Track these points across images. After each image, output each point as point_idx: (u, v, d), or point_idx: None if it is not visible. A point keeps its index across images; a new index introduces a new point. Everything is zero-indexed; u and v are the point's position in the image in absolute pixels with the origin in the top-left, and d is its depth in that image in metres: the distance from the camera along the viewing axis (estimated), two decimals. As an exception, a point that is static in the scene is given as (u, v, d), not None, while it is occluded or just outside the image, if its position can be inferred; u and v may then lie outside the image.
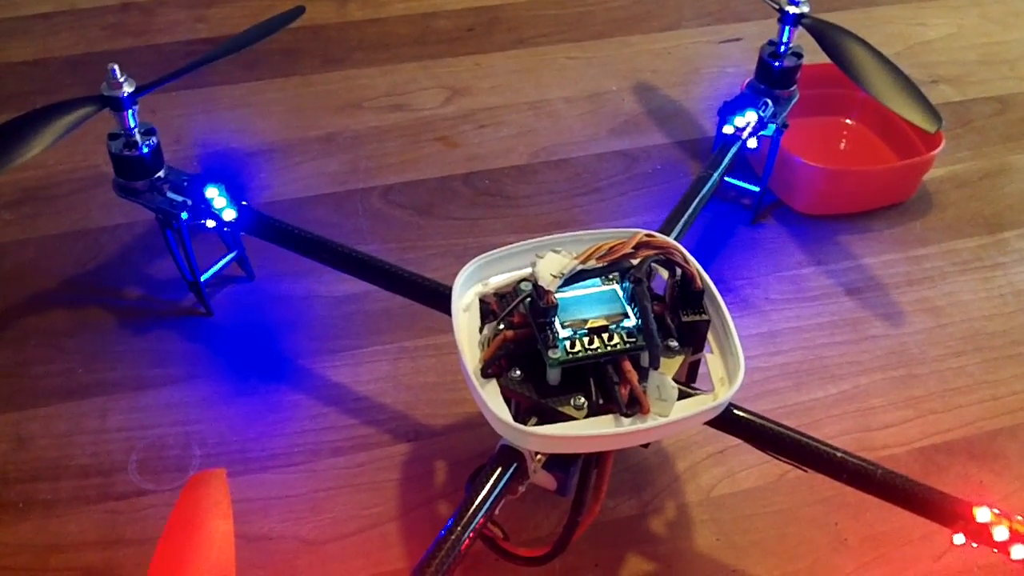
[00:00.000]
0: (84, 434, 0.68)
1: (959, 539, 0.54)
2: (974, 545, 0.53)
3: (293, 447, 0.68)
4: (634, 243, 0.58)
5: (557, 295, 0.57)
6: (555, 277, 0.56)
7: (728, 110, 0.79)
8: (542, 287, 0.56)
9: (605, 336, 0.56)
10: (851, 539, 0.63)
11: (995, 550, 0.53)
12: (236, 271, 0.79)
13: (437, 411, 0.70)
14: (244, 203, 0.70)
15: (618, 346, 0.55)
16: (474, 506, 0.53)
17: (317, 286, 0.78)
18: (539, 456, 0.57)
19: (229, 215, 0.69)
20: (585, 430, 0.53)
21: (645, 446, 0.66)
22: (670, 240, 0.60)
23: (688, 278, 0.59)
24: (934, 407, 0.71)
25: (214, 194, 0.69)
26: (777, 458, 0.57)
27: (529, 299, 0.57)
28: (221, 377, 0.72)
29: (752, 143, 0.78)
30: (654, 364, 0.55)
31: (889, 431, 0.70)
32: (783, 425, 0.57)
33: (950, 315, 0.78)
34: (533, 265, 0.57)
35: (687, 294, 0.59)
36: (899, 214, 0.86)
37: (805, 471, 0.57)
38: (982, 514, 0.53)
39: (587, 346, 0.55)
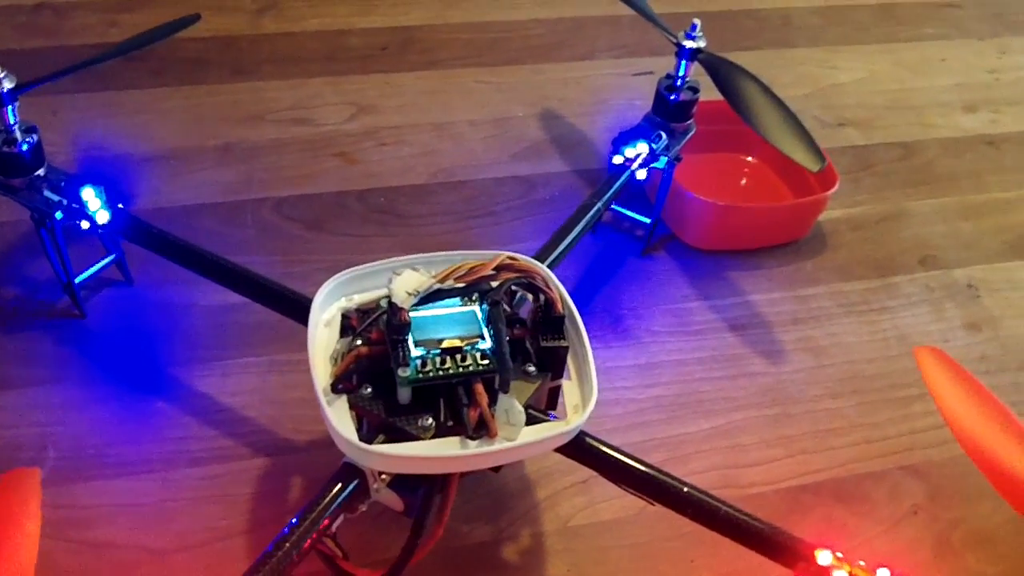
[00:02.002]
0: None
1: (799, 581, 0.53)
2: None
3: (150, 455, 0.66)
4: (495, 265, 0.57)
5: (413, 314, 0.56)
6: (410, 295, 0.56)
7: (621, 140, 0.79)
8: (396, 304, 0.55)
9: (459, 357, 0.55)
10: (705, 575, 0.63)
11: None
12: (117, 275, 0.77)
13: (301, 427, 0.68)
14: (120, 206, 0.69)
15: (471, 368, 0.54)
16: (307, 522, 0.52)
17: (196, 295, 0.76)
18: (383, 476, 0.55)
19: (103, 217, 0.67)
20: (427, 451, 0.52)
21: (496, 470, 0.65)
22: (534, 263, 0.59)
23: (550, 303, 0.58)
24: (805, 447, 0.71)
25: (90, 195, 0.67)
26: (626, 489, 0.57)
27: (385, 316, 0.56)
28: (86, 381, 0.70)
29: (641, 174, 0.78)
30: (503, 388, 0.54)
31: (758, 469, 0.69)
32: (633, 456, 0.56)
33: (831, 356, 0.78)
34: (389, 282, 0.56)
35: (548, 319, 0.58)
36: (791, 253, 0.87)
37: (652, 504, 0.56)
38: (823, 557, 0.53)
39: (439, 366, 0.54)
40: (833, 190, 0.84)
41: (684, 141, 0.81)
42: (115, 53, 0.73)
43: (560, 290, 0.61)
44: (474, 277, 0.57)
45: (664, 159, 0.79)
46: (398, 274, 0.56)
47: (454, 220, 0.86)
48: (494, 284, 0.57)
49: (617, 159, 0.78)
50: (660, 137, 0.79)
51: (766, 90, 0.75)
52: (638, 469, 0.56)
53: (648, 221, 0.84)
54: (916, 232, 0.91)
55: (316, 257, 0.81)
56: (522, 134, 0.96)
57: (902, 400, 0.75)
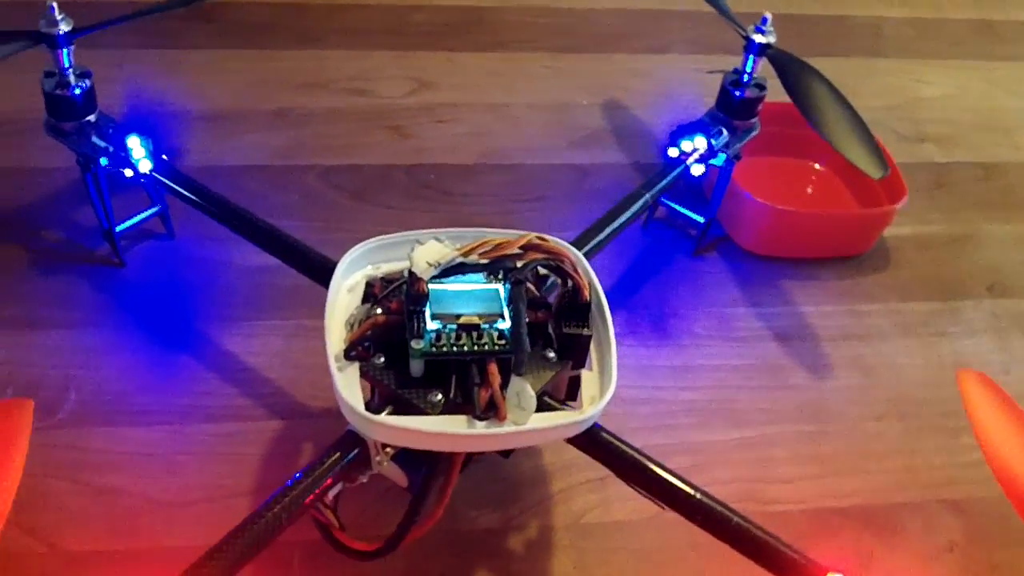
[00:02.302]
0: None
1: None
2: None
3: (168, 407, 0.65)
4: (521, 243, 0.55)
5: (435, 286, 0.54)
6: (431, 265, 0.54)
7: (679, 133, 0.76)
8: (415, 273, 0.53)
9: (475, 335, 0.53)
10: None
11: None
12: (159, 228, 0.77)
13: (318, 393, 0.67)
14: (164, 157, 0.68)
15: (486, 346, 0.53)
16: (301, 487, 0.51)
17: (235, 254, 0.75)
18: (388, 449, 0.54)
19: (145, 166, 0.67)
20: (431, 426, 0.50)
21: (505, 456, 0.63)
22: (564, 246, 0.57)
23: (576, 288, 0.56)
24: (839, 468, 0.67)
25: (135, 144, 0.67)
26: (636, 490, 0.54)
27: (404, 286, 0.54)
28: (117, 328, 0.70)
29: (697, 170, 0.75)
30: (517, 369, 0.52)
31: (785, 485, 0.66)
32: (646, 455, 0.54)
33: (880, 376, 0.74)
34: (411, 251, 0.54)
35: (573, 305, 0.56)
36: (850, 267, 0.83)
37: (663, 508, 0.53)
38: (835, 578, 0.49)
39: (454, 342, 0.53)
40: (900, 204, 0.80)
41: (746, 140, 0.78)
42: (170, 5, 0.72)
43: (590, 277, 0.59)
44: (499, 254, 0.55)
45: (723, 156, 0.76)
46: (421, 243, 0.54)
47: (500, 202, 0.83)
48: (519, 264, 0.55)
49: (672, 152, 0.75)
50: (721, 133, 0.76)
51: (834, 92, 0.72)
52: (650, 469, 0.54)
53: (702, 220, 0.81)
54: (987, 257, 0.86)
55: (356, 226, 0.79)
56: (582, 122, 0.93)
57: (951, 430, 0.70)
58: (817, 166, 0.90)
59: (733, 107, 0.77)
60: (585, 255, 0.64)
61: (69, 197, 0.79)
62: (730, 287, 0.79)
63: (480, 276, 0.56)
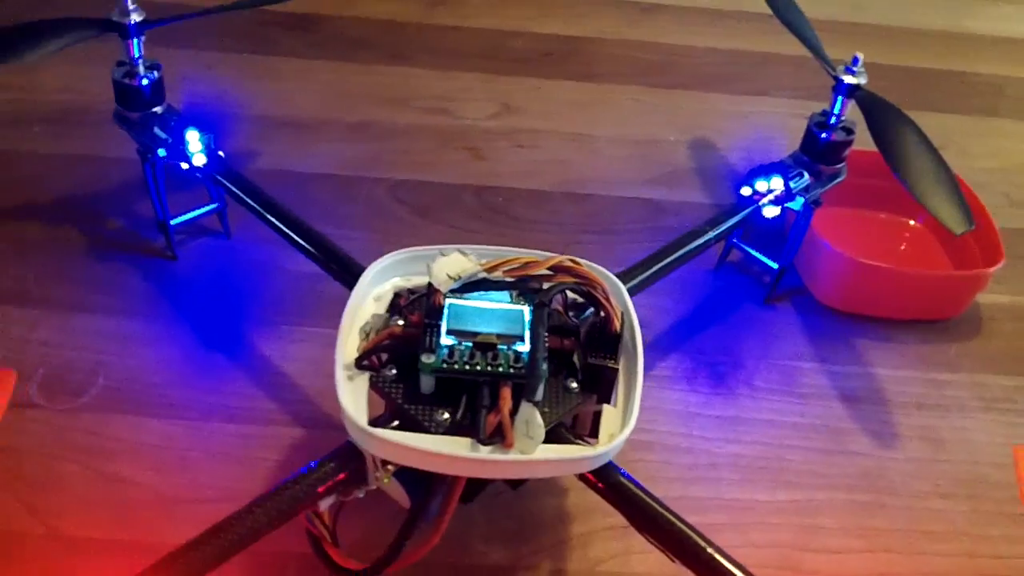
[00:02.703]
0: (7, 338, 0.67)
1: None
2: None
3: (192, 403, 0.64)
4: (550, 264, 0.52)
5: (455, 301, 0.52)
6: (451, 278, 0.52)
7: (755, 172, 0.72)
8: (433, 285, 0.51)
9: (490, 355, 0.50)
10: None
11: None
12: (217, 227, 0.77)
13: (345, 407, 0.65)
14: (220, 154, 0.68)
15: (500, 369, 0.50)
16: (287, 493, 0.48)
17: (287, 259, 0.74)
18: (391, 466, 0.51)
19: (199, 160, 0.67)
20: (429, 445, 0.48)
21: (514, 487, 0.59)
22: (599, 273, 0.54)
23: (607, 318, 0.52)
24: (892, 545, 0.62)
25: (193, 138, 0.67)
26: (647, 538, 0.50)
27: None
28: (157, 319, 0.70)
29: (770, 212, 0.71)
30: (529, 395, 0.49)
31: (828, 557, 0.60)
32: (659, 501, 0.50)
33: (952, 452, 0.68)
34: (432, 261, 0.52)
35: (603, 336, 0.53)
36: (934, 331, 0.77)
37: (672, 560, 0.49)
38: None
39: (467, 360, 0.50)
40: (995, 268, 0.74)
41: (829, 186, 0.74)
42: (241, 5, 0.73)
43: (627, 308, 0.55)
44: (525, 272, 0.52)
45: (800, 200, 0.72)
46: (444, 255, 0.52)
47: (567, 231, 0.81)
48: (546, 285, 0.52)
49: (745, 191, 0.71)
50: (801, 176, 0.72)
51: (924, 139, 0.67)
52: (663, 516, 0.50)
53: (776, 266, 0.76)
54: (1089, 335, 0.79)
55: (415, 242, 0.77)
56: (666, 159, 0.90)
57: (1025, 518, 0.64)
58: (912, 223, 0.84)
59: (817, 150, 0.73)
60: (631, 289, 0.61)
61: (135, 189, 0.79)
62: (799, 340, 0.74)
63: (506, 296, 0.54)
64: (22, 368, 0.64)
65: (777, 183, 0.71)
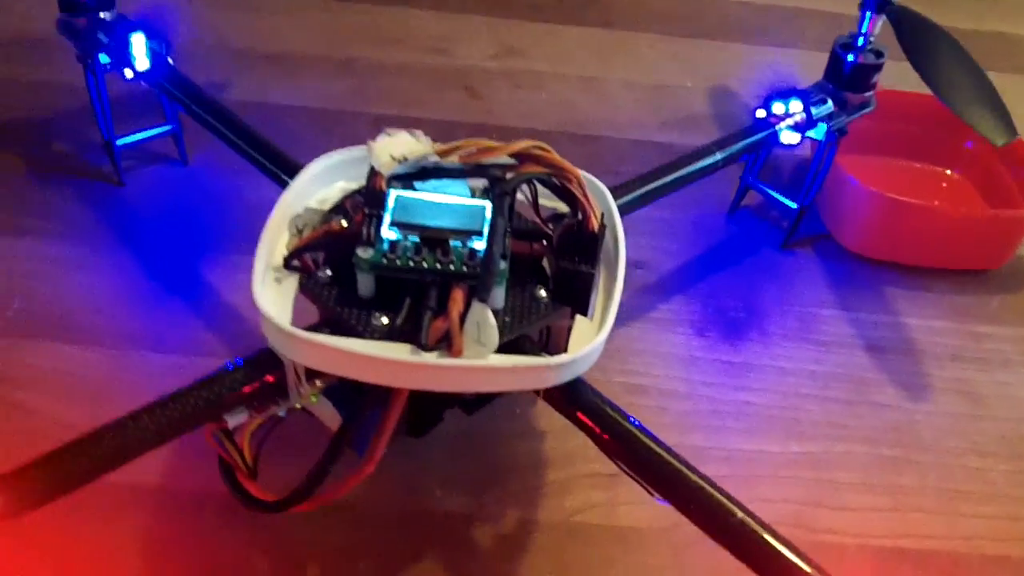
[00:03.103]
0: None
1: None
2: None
3: (117, 330, 0.57)
4: (515, 150, 0.45)
5: (403, 193, 0.45)
6: (395, 160, 0.44)
7: (774, 95, 0.64)
8: (374, 167, 0.44)
9: (439, 251, 0.43)
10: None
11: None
12: (174, 153, 0.70)
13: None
14: (170, 60, 0.62)
15: (451, 267, 0.43)
16: (186, 401, 0.41)
17: (249, 189, 0.67)
18: (318, 381, 0.44)
19: (142, 64, 0.61)
20: (361, 349, 0.40)
21: (469, 410, 0.51)
22: (569, 165, 0.46)
23: (584, 217, 0.45)
24: (923, 505, 0.53)
25: (138, 41, 0.61)
26: (620, 467, 0.42)
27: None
28: (93, 245, 0.63)
29: (789, 138, 0.63)
30: (482, 294, 0.41)
31: (847, 514, 0.52)
32: (641, 426, 0.42)
33: (993, 408, 0.59)
34: (373, 140, 0.45)
35: (579, 238, 0.45)
36: (975, 282, 0.68)
37: (651, 493, 0.41)
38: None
39: (411, 255, 0.43)
40: (1049, 212, 0.65)
41: (856, 116, 0.66)
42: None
43: (611, 212, 0.48)
44: (482, 157, 0.45)
45: (823, 127, 0.64)
46: (389, 135, 0.45)
47: (566, 170, 0.73)
48: (509, 176, 0.45)
49: (760, 113, 0.63)
50: (824, 102, 0.64)
51: (960, 50, 0.59)
52: (640, 441, 0.42)
53: (795, 206, 0.68)
54: None
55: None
56: (682, 104, 0.82)
57: (1079, 482, 0.55)
58: (949, 172, 0.76)
59: (843, 75, 0.65)
60: (623, 207, 0.53)
61: (87, 114, 0.74)
62: (820, 287, 0.66)
63: (466, 191, 0.46)
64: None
65: (796, 106, 0.63)
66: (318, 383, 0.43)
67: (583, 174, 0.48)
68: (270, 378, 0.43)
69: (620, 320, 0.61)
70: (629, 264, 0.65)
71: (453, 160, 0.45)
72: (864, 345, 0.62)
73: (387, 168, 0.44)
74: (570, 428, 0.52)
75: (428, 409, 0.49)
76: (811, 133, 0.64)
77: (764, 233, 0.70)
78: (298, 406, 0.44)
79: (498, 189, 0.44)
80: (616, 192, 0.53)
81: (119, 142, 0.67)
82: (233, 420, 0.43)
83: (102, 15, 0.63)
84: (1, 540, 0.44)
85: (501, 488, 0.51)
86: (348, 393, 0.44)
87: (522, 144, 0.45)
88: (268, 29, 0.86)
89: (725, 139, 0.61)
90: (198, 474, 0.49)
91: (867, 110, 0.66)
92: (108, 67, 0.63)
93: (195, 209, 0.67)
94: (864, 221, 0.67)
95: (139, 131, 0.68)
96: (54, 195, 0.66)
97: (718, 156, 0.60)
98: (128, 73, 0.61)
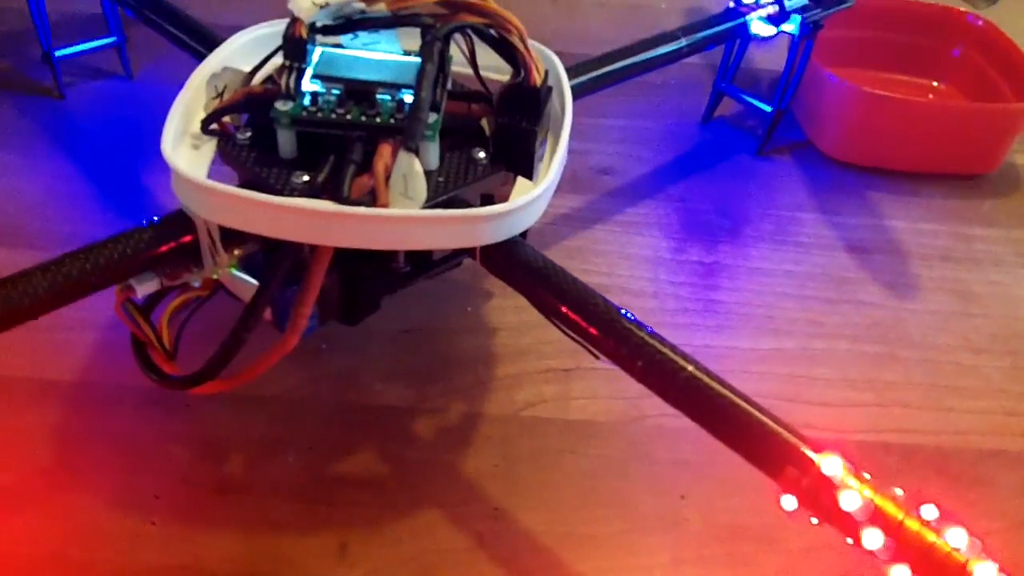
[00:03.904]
0: None
1: (789, 503, 0.33)
2: (815, 521, 0.32)
3: (49, 232, 0.54)
4: (447, -2, 0.41)
5: (333, 50, 0.41)
6: (316, 5, 0.40)
7: (746, -14, 0.60)
8: (294, 14, 0.40)
9: (365, 104, 0.39)
10: (693, 520, 0.42)
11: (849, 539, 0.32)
12: (119, 69, 0.67)
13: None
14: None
15: (377, 119, 0.39)
16: (92, 258, 0.37)
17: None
18: (236, 251, 0.40)
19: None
20: (277, 202, 0.36)
21: (403, 282, 0.46)
22: (509, 14, 0.42)
23: (526, 72, 0.41)
24: (910, 400, 0.49)
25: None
26: (562, 330, 0.38)
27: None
28: (23, 153, 0.60)
29: (760, 29, 0.59)
30: (409, 142, 0.37)
31: (826, 410, 0.48)
32: (579, 282, 0.38)
33: (985, 306, 0.55)
34: (294, -13, 0.41)
35: (521, 94, 0.41)
36: (966, 187, 0.64)
37: (596, 356, 0.37)
38: (830, 465, 0.32)
39: (334, 107, 0.39)
40: (1035, 104, 0.61)
41: (833, 10, 0.61)
42: None
43: (560, 79, 0.44)
44: (411, 4, 0.41)
45: (797, 19, 0.60)
46: (311, -19, 0.41)
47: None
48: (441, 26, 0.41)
49: (731, 2, 0.60)
50: (799, -7, 0.60)
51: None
52: (580, 296, 0.37)
53: (770, 110, 0.64)
54: None
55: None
56: (656, 22, 0.78)
57: (1078, 377, 0.51)
58: (936, 84, 0.72)
59: (820, -31, 0.61)
60: (576, 88, 0.49)
61: (26, 38, 0.70)
62: (798, 192, 0.62)
63: (398, 48, 0.42)
64: None
65: (768, -5, 0.59)
66: (236, 252, 0.40)
67: (537, 48, 0.44)
68: (185, 239, 0.39)
69: (583, 223, 0.58)
70: (595, 171, 0.62)
71: (380, 8, 0.41)
72: (846, 246, 0.58)
73: (308, 14, 0.40)
74: (525, 325, 0.48)
75: (362, 292, 0.45)
76: (785, 26, 0.60)
77: (739, 140, 0.66)
78: (214, 276, 0.40)
79: (429, 36, 0.40)
80: (571, 72, 0.49)
81: (58, 53, 0.63)
82: (142, 287, 0.39)
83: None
84: None
85: (447, 382, 0.47)
86: (268, 267, 0.40)
87: (455, -9, 0.41)
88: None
89: (691, 25, 0.57)
90: (118, 369, 0.45)
91: (845, 5, 0.62)
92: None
93: (137, 120, 0.63)
94: (844, 121, 0.63)
95: (81, 43, 0.64)
96: (-6, 108, 0.63)
97: (683, 42, 0.56)
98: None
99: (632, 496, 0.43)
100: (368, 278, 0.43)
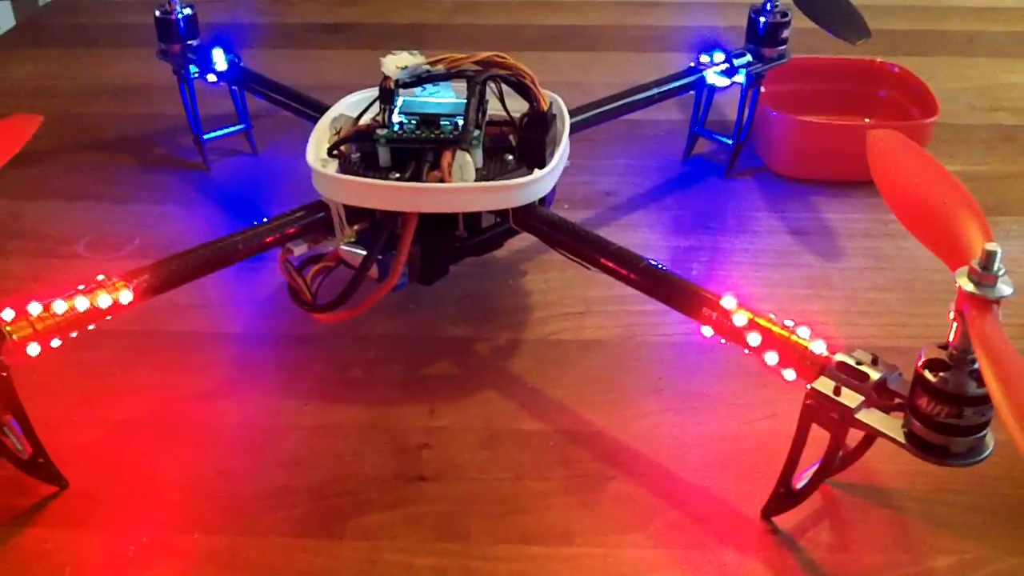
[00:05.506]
0: (76, 221, 0.81)
1: (707, 331, 0.53)
2: (723, 341, 0.52)
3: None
4: (479, 59, 0.63)
5: (409, 96, 0.64)
6: (399, 68, 0.63)
7: (702, 48, 0.82)
8: (385, 73, 0.63)
9: (433, 127, 0.61)
10: (667, 390, 0.62)
11: (746, 350, 0.51)
12: (247, 149, 0.91)
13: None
14: (238, 61, 0.83)
15: (440, 136, 0.61)
16: (263, 228, 0.59)
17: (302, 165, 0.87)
18: (356, 227, 0.61)
19: (221, 64, 0.82)
20: (375, 182, 0.59)
21: (465, 249, 0.65)
22: (523, 66, 0.64)
23: (537, 102, 0.63)
24: (826, 320, 0.68)
25: (218, 55, 0.82)
26: (561, 252, 0.59)
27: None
28: (188, 206, 0.83)
29: (717, 80, 0.81)
30: (462, 143, 0.60)
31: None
32: (574, 224, 0.59)
33: (894, 262, 0.74)
34: (383, 57, 0.64)
35: (534, 118, 0.63)
36: (887, 189, 0.84)
37: (587, 268, 0.58)
38: (727, 301, 0.52)
39: (414, 130, 0.61)
40: (933, 119, 0.82)
41: (772, 65, 0.83)
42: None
43: (561, 111, 0.66)
44: (459, 64, 0.63)
45: (744, 72, 0.82)
46: (394, 54, 0.64)
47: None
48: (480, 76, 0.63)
49: (692, 62, 0.82)
50: (743, 54, 0.82)
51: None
52: (576, 233, 0.59)
53: (729, 142, 0.85)
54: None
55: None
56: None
57: (959, 302, 0.70)
58: (868, 120, 0.92)
59: (758, 35, 0.83)
60: (575, 124, 0.71)
61: (179, 131, 0.93)
62: (756, 199, 0.83)
63: (452, 93, 0.65)
64: (73, 236, 0.78)
65: (719, 56, 0.81)
66: (355, 227, 0.62)
67: (545, 92, 0.66)
68: (322, 215, 0.61)
69: (593, 227, 0.79)
70: (601, 193, 0.83)
71: (440, 69, 0.63)
72: (789, 230, 0.78)
73: (394, 72, 0.62)
74: (551, 289, 0.70)
75: (436, 257, 0.66)
76: (736, 78, 0.82)
77: (711, 169, 0.87)
78: (342, 246, 0.62)
79: (471, 83, 0.62)
80: (573, 112, 0.71)
81: (205, 136, 0.87)
82: (297, 249, 0.61)
83: (190, 42, 0.84)
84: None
85: (496, 322, 0.68)
86: (374, 237, 0.62)
87: (485, 54, 0.63)
88: (310, 71, 1.07)
89: (661, 79, 0.79)
90: (273, 326, 0.67)
91: (783, 61, 0.84)
92: (196, 75, 0.83)
93: (264, 180, 0.87)
94: (786, 145, 0.84)
95: (220, 129, 0.88)
96: (159, 178, 0.87)
97: (654, 90, 0.78)
98: (212, 78, 0.82)
99: (625, 379, 0.63)
100: (440, 244, 0.65)
